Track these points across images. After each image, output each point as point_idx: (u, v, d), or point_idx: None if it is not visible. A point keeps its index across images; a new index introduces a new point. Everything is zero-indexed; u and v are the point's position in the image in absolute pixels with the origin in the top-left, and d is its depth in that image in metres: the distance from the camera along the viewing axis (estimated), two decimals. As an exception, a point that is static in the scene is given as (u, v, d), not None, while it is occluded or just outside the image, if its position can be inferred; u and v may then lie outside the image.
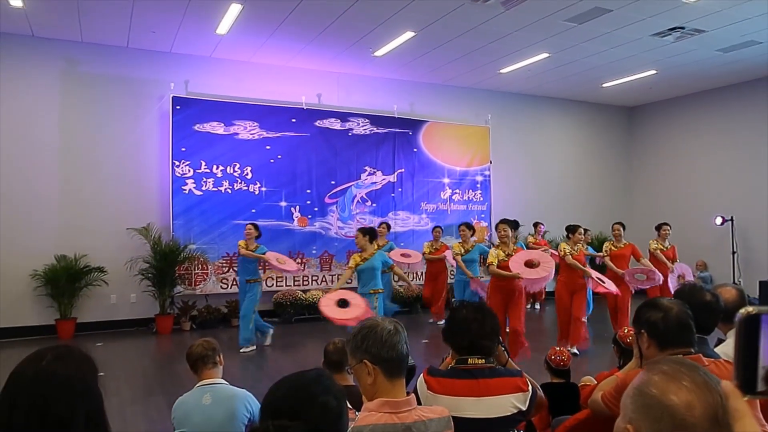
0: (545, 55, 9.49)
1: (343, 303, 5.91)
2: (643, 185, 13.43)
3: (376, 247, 6.62)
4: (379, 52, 9.26)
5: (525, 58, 9.67)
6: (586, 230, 8.73)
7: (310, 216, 10.02)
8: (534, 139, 12.54)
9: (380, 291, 6.46)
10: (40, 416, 1.29)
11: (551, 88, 11.86)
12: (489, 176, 11.72)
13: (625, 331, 3.24)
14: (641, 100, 13.15)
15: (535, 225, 10.77)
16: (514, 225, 6.84)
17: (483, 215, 11.58)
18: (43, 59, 8.52)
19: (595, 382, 2.98)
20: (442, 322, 8.40)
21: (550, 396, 3.35)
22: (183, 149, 9.12)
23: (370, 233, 6.49)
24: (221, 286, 9.30)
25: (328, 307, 5.86)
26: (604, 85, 11.54)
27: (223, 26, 8.01)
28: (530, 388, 2.27)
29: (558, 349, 3.66)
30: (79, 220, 8.56)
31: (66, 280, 8.18)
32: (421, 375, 2.26)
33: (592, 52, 9.34)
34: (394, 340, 1.85)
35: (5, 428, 1.29)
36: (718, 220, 11.26)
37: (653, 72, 10.54)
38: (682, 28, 8.17)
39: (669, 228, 8.33)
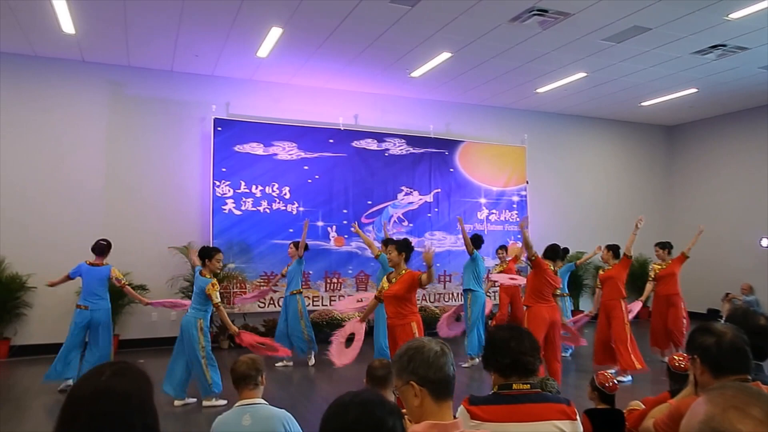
0: (582, 74, 9.42)
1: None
2: (685, 206, 13.10)
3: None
4: (416, 73, 9.34)
5: (562, 77, 9.62)
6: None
7: (346, 236, 10.07)
8: (571, 159, 12.42)
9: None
10: None
11: (588, 107, 11.75)
12: (526, 196, 11.62)
13: (676, 358, 3.15)
14: (682, 119, 12.91)
15: (499, 250, 9.24)
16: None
17: (520, 236, 11.44)
18: (92, 83, 8.87)
19: (643, 407, 2.90)
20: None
21: (595, 422, 3.28)
22: (223, 169, 9.31)
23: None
24: (259, 305, 9.38)
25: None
26: (643, 104, 11.37)
27: (264, 49, 8.21)
28: (578, 418, 2.23)
29: (606, 374, 3.56)
30: (122, 238, 8.75)
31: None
32: (461, 406, 2.22)
33: (630, 71, 9.24)
34: (441, 361, 1.84)
35: None
36: (765, 242, 10.91)
37: (694, 90, 10.35)
38: (724, 45, 8.02)
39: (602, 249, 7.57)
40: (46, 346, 8.16)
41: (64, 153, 8.69)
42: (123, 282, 6.72)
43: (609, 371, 3.74)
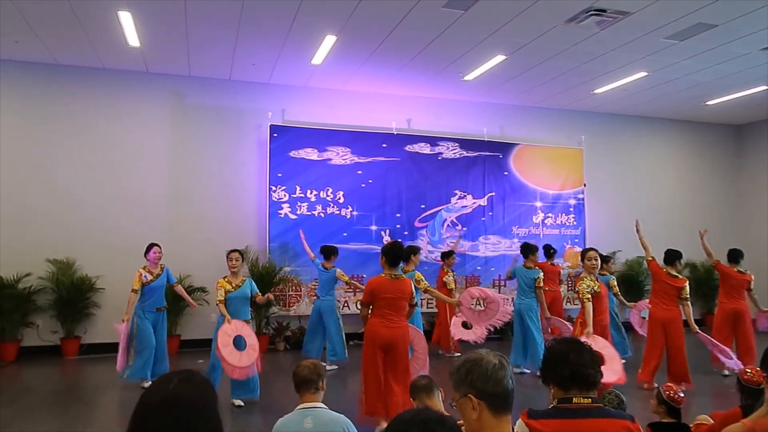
0: (643, 73, 9.13)
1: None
2: (754, 210, 12.46)
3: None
4: (469, 77, 9.27)
5: (621, 77, 9.36)
6: (605, 257, 8.10)
7: (400, 240, 10.07)
8: (630, 161, 12.03)
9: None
10: None
11: (649, 107, 11.37)
12: (583, 200, 11.34)
13: (747, 371, 3.01)
14: (751, 118, 12.31)
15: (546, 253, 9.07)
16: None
17: (577, 240, 11.19)
18: (156, 93, 9.25)
19: (711, 422, 2.79)
20: None
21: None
22: (279, 175, 9.51)
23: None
24: (313, 308, 9.50)
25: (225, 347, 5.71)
26: (708, 102, 10.92)
27: (318, 57, 8.33)
28: None
29: (674, 386, 3.42)
30: (183, 243, 9.08)
31: (171, 299, 8.66)
32: (520, 420, 2.18)
33: (694, 69, 8.89)
34: (500, 374, 1.82)
35: None
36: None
37: (764, 88, 9.86)
38: (798, 40, 7.62)
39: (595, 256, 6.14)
40: (113, 344, 8.48)
41: (130, 160, 9.09)
42: (131, 289, 6.99)
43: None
